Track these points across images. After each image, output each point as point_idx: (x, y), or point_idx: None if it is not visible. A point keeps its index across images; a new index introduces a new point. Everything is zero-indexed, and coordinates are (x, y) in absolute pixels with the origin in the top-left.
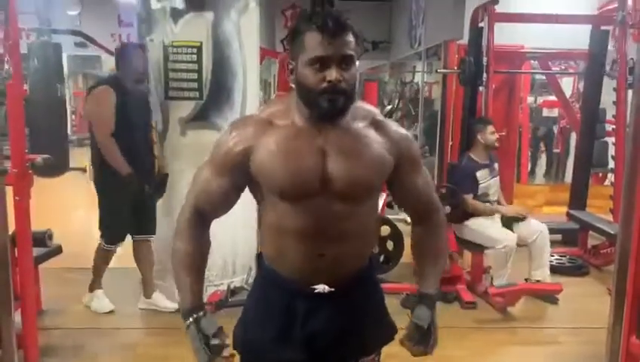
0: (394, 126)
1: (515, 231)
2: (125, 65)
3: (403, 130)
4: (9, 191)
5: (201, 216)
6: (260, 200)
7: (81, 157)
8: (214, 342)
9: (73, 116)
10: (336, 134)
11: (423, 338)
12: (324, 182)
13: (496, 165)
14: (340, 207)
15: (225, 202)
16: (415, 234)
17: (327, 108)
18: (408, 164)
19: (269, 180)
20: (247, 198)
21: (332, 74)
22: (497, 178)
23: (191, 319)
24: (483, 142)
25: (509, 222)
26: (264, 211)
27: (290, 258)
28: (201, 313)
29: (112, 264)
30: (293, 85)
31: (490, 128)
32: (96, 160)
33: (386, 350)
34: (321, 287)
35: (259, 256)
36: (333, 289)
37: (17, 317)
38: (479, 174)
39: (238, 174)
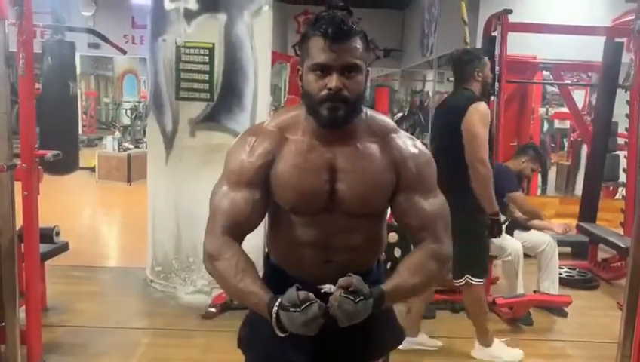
0: (409, 142)
1: (524, 241)
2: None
3: (418, 148)
4: (18, 186)
5: (234, 235)
6: (269, 206)
7: (89, 157)
8: (307, 304)
9: (84, 116)
10: (345, 151)
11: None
12: (332, 199)
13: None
14: (346, 221)
15: (257, 213)
16: (409, 254)
17: (327, 116)
18: (414, 182)
19: (281, 194)
20: None
21: (332, 81)
22: None
23: (275, 309)
24: (521, 168)
25: (511, 230)
26: (275, 217)
27: (298, 263)
28: (277, 299)
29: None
30: (302, 90)
31: (536, 166)
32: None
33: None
34: (328, 287)
35: (267, 256)
36: None
37: (22, 313)
38: None
39: (261, 185)
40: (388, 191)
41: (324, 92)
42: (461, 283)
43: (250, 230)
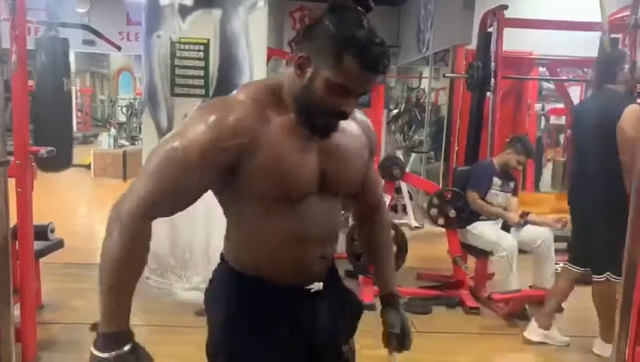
0: (364, 116)
1: (519, 236)
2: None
3: (369, 120)
4: (11, 183)
5: (151, 218)
6: (235, 203)
7: (85, 154)
8: None
9: (79, 113)
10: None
11: (400, 341)
12: (322, 180)
13: (512, 184)
14: (330, 204)
15: (189, 204)
16: (370, 233)
17: (322, 129)
18: (372, 156)
19: (270, 181)
20: None
21: (350, 105)
22: (508, 195)
23: (126, 347)
24: (506, 160)
25: (507, 226)
26: (245, 215)
27: (286, 263)
28: (132, 343)
29: None
30: (296, 82)
31: (522, 158)
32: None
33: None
34: (317, 285)
35: (229, 270)
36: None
37: (16, 310)
38: (494, 180)
39: (222, 169)
40: (365, 166)
41: (335, 110)
42: (600, 279)
43: (163, 216)
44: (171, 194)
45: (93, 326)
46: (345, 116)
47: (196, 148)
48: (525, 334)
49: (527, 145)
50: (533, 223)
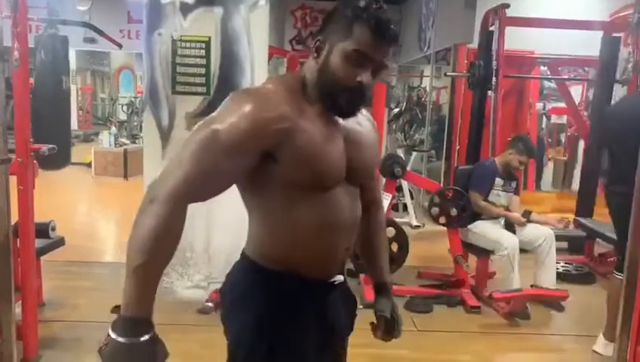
0: (370, 116)
1: (521, 235)
2: None
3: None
4: (13, 180)
5: (189, 201)
6: (262, 194)
7: (86, 152)
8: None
9: (79, 112)
10: (349, 121)
11: (389, 326)
12: (349, 169)
13: (514, 183)
14: (353, 193)
15: (223, 189)
16: (367, 228)
17: (344, 107)
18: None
19: (306, 168)
20: None
21: (367, 77)
22: (510, 195)
23: (144, 337)
24: (508, 160)
25: (511, 226)
26: (273, 206)
27: (314, 254)
28: (151, 333)
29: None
30: (314, 65)
31: (524, 158)
32: None
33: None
34: (339, 278)
35: (252, 265)
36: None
37: (18, 308)
38: (496, 181)
39: (259, 155)
40: (377, 161)
41: (353, 83)
42: (620, 277)
43: (196, 202)
44: (210, 178)
45: (115, 309)
46: (364, 90)
47: (238, 132)
48: (595, 348)
49: (529, 145)
50: (536, 222)
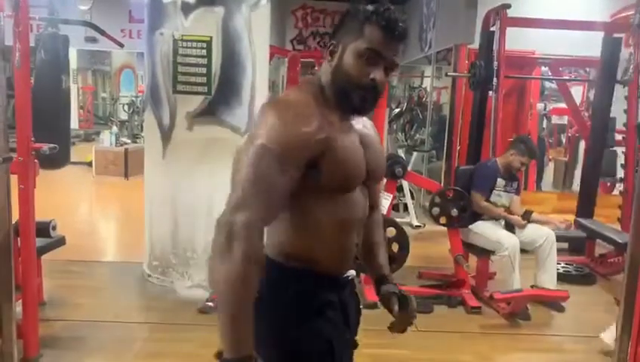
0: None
1: (522, 236)
2: None
3: None
4: (14, 179)
5: (266, 225)
6: (296, 195)
7: (86, 152)
8: None
9: (80, 111)
10: (360, 124)
11: (403, 304)
12: (367, 171)
13: (515, 184)
14: (365, 192)
15: (285, 205)
16: (366, 227)
17: (358, 104)
18: None
19: (341, 172)
20: None
21: (379, 73)
22: (512, 195)
23: None
24: (509, 161)
25: (511, 226)
26: (302, 207)
27: (334, 251)
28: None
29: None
30: (328, 68)
31: (526, 160)
32: None
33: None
34: (351, 273)
35: (274, 263)
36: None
37: (18, 307)
38: (498, 181)
39: (304, 166)
40: None
41: (366, 80)
42: None
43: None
44: (276, 195)
45: (218, 354)
46: (377, 88)
47: (289, 144)
48: (603, 337)
49: (530, 146)
50: (537, 222)
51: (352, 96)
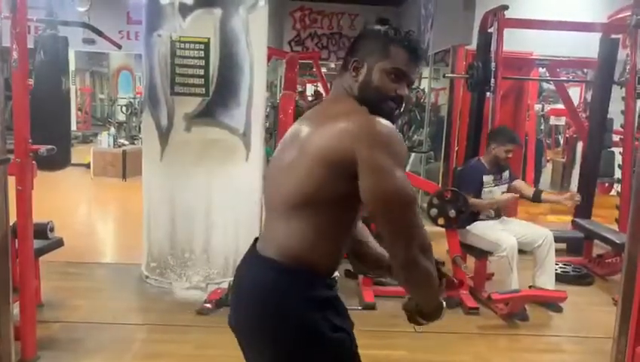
0: None
1: (520, 236)
2: None
3: None
4: (11, 181)
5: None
6: (338, 205)
7: (84, 153)
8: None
9: (78, 112)
10: None
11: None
12: None
13: (505, 173)
14: None
15: None
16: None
17: (388, 113)
18: None
19: None
20: (249, 198)
21: (405, 90)
22: (504, 186)
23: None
24: (494, 154)
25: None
26: (335, 216)
27: (339, 256)
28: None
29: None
30: (353, 83)
31: (509, 147)
32: None
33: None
34: (337, 274)
35: (302, 273)
36: None
37: (16, 309)
38: (485, 179)
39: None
40: None
41: (393, 94)
42: None
43: None
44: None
45: (409, 306)
46: (402, 101)
47: (402, 153)
48: None
49: (507, 133)
50: (547, 201)
51: (382, 107)
